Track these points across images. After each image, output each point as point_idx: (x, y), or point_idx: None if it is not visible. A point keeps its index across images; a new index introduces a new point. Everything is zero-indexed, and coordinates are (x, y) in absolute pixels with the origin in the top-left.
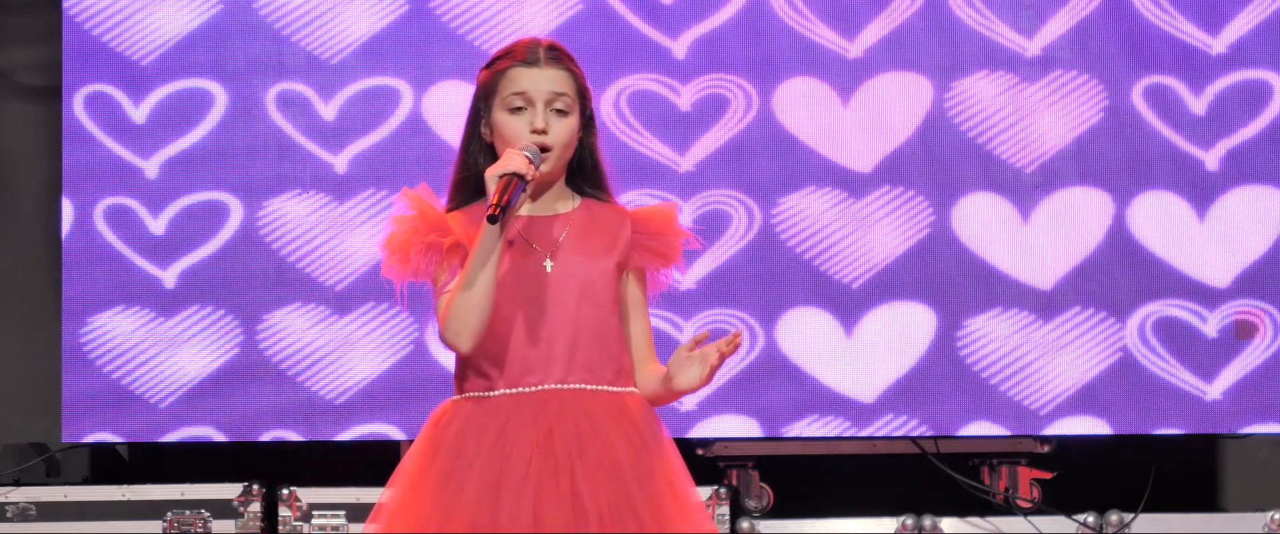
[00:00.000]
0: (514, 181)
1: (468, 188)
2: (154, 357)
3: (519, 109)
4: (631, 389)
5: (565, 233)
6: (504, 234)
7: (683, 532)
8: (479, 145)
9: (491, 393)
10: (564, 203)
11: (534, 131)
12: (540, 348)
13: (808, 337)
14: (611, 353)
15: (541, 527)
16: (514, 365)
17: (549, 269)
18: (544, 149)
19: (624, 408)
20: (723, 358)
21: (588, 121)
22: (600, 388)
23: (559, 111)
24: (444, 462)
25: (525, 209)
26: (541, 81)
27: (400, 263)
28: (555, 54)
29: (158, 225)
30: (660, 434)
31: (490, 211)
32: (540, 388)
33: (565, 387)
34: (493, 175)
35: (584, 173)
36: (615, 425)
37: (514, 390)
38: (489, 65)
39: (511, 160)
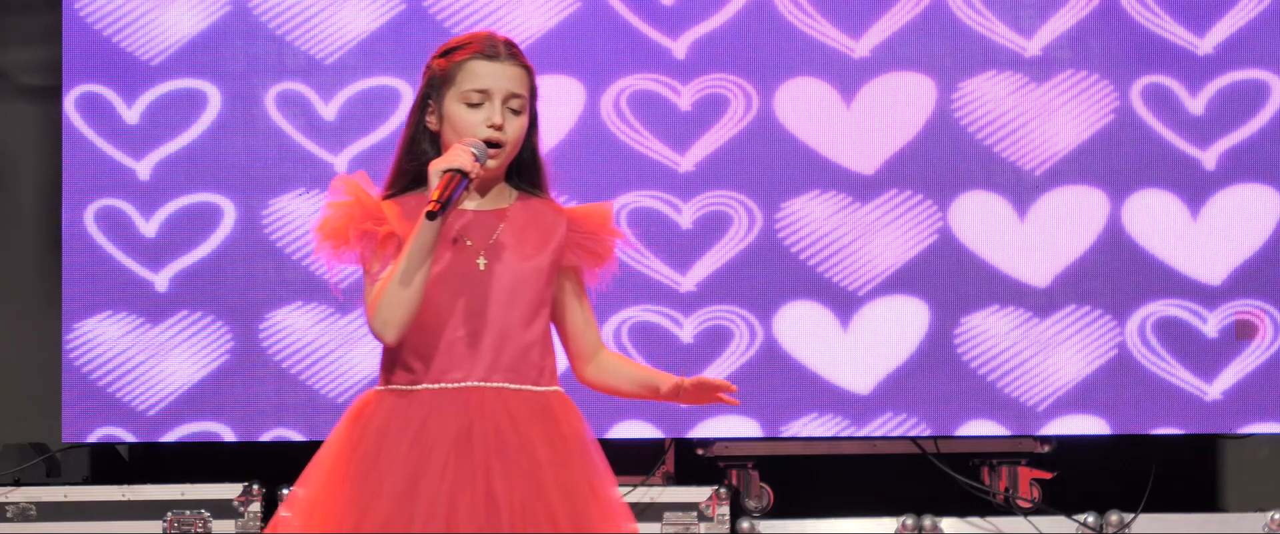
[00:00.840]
0: (456, 178)
1: (407, 177)
2: (154, 356)
3: (476, 104)
4: (556, 388)
5: (500, 231)
6: (442, 230)
7: (602, 533)
8: (426, 135)
9: (415, 386)
10: (500, 197)
11: (492, 127)
12: (466, 344)
13: (805, 331)
14: (537, 353)
15: (454, 526)
16: (439, 360)
17: (482, 267)
18: (495, 145)
19: (547, 407)
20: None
21: (533, 122)
22: (523, 387)
23: (514, 110)
24: (364, 456)
25: (472, 204)
26: (502, 78)
27: (333, 247)
28: (513, 51)
29: (156, 226)
30: (583, 434)
31: (430, 208)
32: (463, 384)
33: (488, 385)
34: (437, 170)
35: (524, 170)
36: (537, 425)
37: (437, 386)
38: (444, 54)
39: (458, 156)
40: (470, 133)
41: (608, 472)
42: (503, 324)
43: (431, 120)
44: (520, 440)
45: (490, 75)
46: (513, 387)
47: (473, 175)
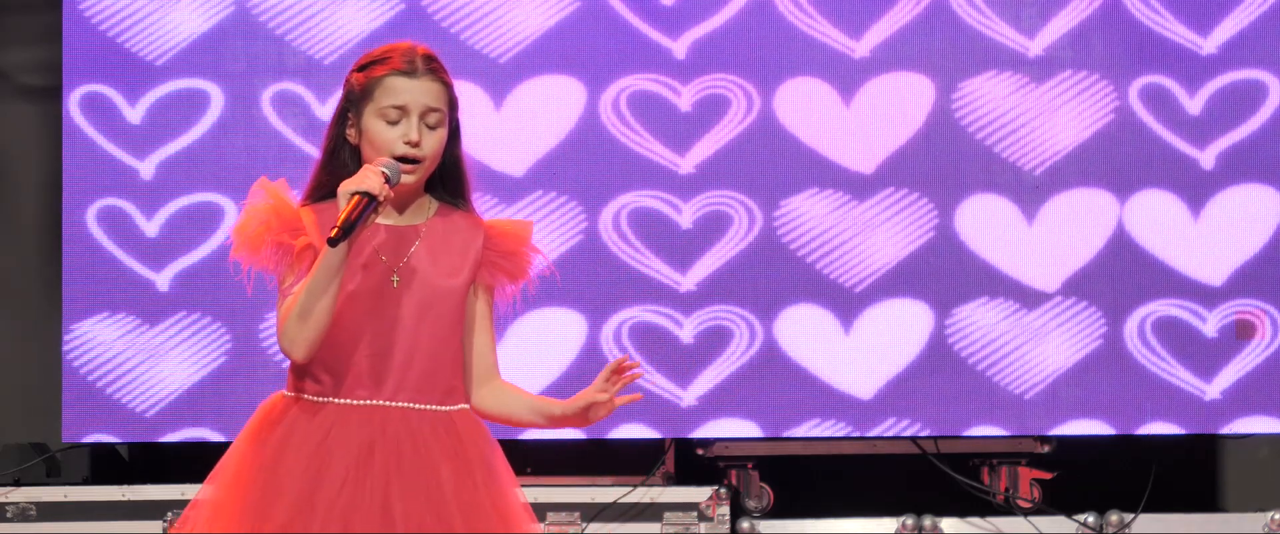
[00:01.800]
0: (363, 201)
1: (324, 189)
2: (154, 356)
3: (394, 121)
4: (463, 406)
5: (415, 247)
6: (349, 251)
7: None
8: (346, 148)
9: (321, 399)
10: (419, 211)
11: (408, 143)
12: (374, 362)
13: (807, 334)
14: (445, 373)
15: None
16: (346, 376)
17: (395, 284)
18: (413, 162)
19: (452, 427)
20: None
21: (454, 132)
22: (428, 407)
23: (430, 125)
24: (263, 465)
25: (388, 220)
26: (419, 94)
27: (249, 253)
28: (432, 65)
29: (156, 226)
30: (488, 455)
31: (332, 234)
32: (368, 402)
33: (393, 404)
34: (344, 192)
35: (445, 181)
36: (440, 445)
37: (341, 401)
38: (362, 68)
39: (366, 179)
40: (387, 149)
41: (513, 493)
42: (411, 343)
43: (351, 133)
44: (421, 460)
45: (407, 91)
46: (418, 407)
47: (381, 198)
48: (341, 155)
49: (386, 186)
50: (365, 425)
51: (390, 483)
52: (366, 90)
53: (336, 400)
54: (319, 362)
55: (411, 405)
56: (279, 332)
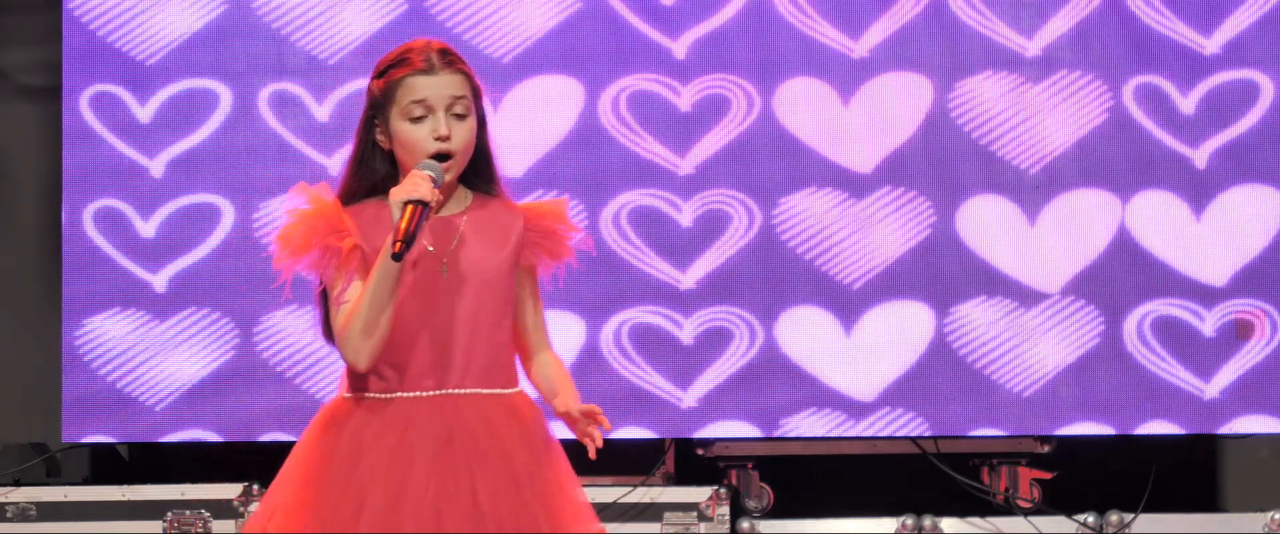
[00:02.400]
0: (419, 210)
1: (358, 195)
2: (153, 357)
3: (419, 118)
4: (519, 389)
5: (459, 234)
6: (407, 260)
7: (575, 532)
8: (378, 154)
9: (387, 395)
10: (456, 201)
11: (438, 138)
12: (437, 352)
13: (807, 335)
14: (504, 355)
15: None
16: (412, 369)
17: (445, 274)
18: (447, 157)
19: (516, 411)
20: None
21: (481, 121)
22: (494, 391)
23: (458, 115)
24: (341, 465)
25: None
26: (440, 87)
27: (295, 257)
28: (449, 58)
29: (157, 226)
30: (550, 437)
31: (395, 249)
32: (438, 392)
33: (462, 391)
34: (397, 201)
35: (477, 169)
36: (510, 428)
37: (411, 395)
38: (381, 74)
39: (418, 186)
40: (419, 147)
41: (572, 474)
42: (471, 329)
43: (382, 139)
44: (497, 445)
45: (428, 87)
46: (485, 391)
47: (432, 203)
48: (371, 162)
49: (435, 191)
50: (439, 415)
51: (473, 470)
52: (388, 94)
53: (404, 394)
54: (382, 358)
55: (479, 390)
56: (340, 344)
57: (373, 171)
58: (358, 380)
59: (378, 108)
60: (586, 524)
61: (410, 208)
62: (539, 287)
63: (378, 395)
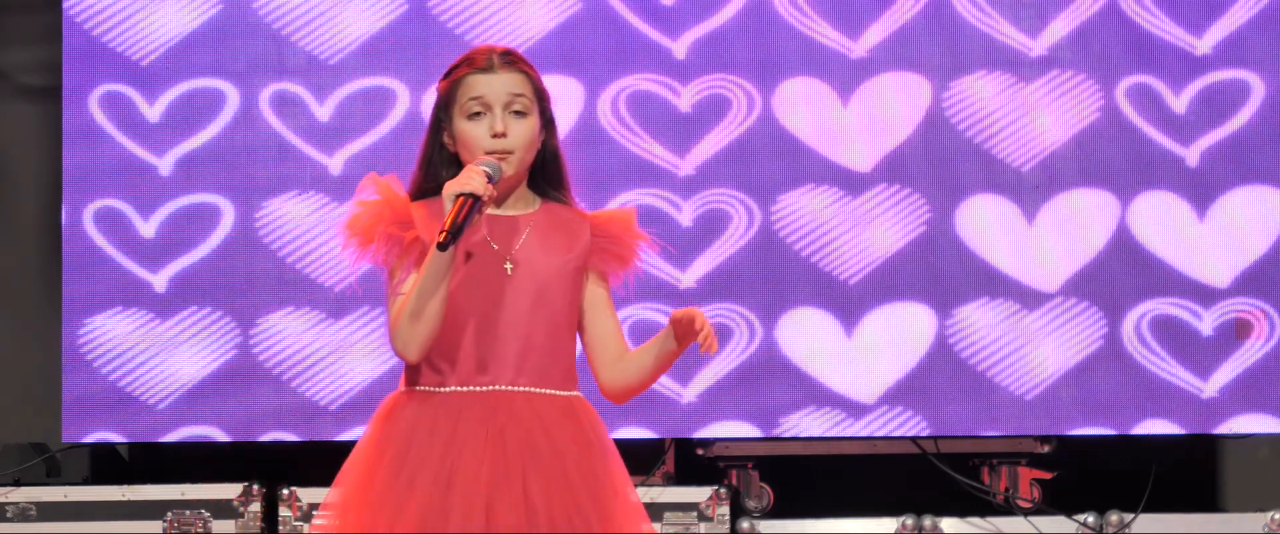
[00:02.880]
0: (469, 202)
1: (424, 193)
2: (153, 357)
3: (477, 114)
4: (576, 393)
5: (526, 235)
6: (459, 250)
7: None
8: (443, 156)
9: (442, 389)
10: (526, 205)
11: (494, 135)
12: (494, 348)
13: (808, 336)
14: (561, 357)
15: (493, 526)
16: (466, 363)
17: (509, 271)
18: (505, 154)
19: (572, 411)
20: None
21: (548, 123)
22: (548, 391)
23: (517, 112)
24: (393, 457)
25: (494, 210)
26: (498, 85)
27: (360, 246)
28: (510, 58)
29: (157, 226)
30: (605, 439)
31: (440, 238)
32: (491, 388)
33: (516, 389)
34: (449, 194)
35: (546, 174)
36: (564, 429)
37: (465, 389)
38: (446, 76)
39: (470, 180)
40: (477, 144)
41: (626, 476)
42: (529, 328)
43: (448, 142)
44: (551, 445)
45: (485, 85)
46: (539, 391)
47: (485, 198)
48: (437, 161)
49: (490, 186)
50: (492, 411)
51: (526, 467)
52: (450, 95)
53: (457, 388)
54: (438, 352)
55: (532, 389)
56: (391, 333)
57: (439, 171)
58: (412, 374)
59: (444, 109)
60: (637, 527)
61: (460, 199)
62: (610, 296)
63: (430, 388)
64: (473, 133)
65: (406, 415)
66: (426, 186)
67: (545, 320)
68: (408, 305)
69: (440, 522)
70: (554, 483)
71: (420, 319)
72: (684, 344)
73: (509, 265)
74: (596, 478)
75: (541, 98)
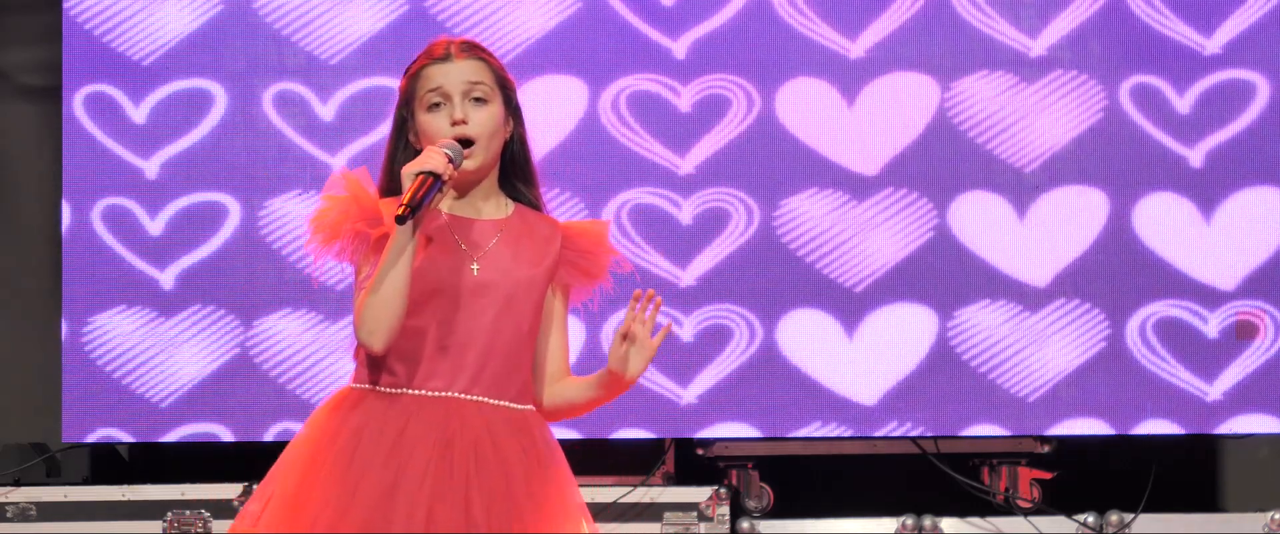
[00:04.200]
0: (428, 180)
1: (392, 191)
2: (154, 357)
3: (437, 105)
4: (530, 407)
5: (496, 240)
6: (417, 233)
7: None
8: (409, 153)
9: (396, 390)
10: (496, 208)
11: (454, 123)
12: (451, 354)
13: (809, 338)
14: (520, 370)
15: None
16: (423, 367)
17: (475, 272)
18: (467, 142)
19: (525, 426)
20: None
21: (515, 114)
22: (502, 403)
23: (477, 100)
24: (340, 454)
25: (450, 205)
26: (454, 73)
27: (325, 242)
28: (468, 46)
29: (158, 225)
30: (557, 456)
31: (399, 212)
32: (444, 394)
33: (468, 397)
34: (408, 173)
35: (515, 168)
36: (514, 443)
37: (418, 392)
38: (406, 71)
39: (430, 158)
40: (437, 135)
41: (576, 495)
42: (490, 338)
43: (413, 138)
44: (498, 458)
45: (442, 75)
46: (492, 402)
47: (445, 177)
48: (403, 159)
49: (450, 166)
50: (443, 418)
51: (470, 480)
52: (411, 90)
53: (411, 391)
54: (395, 352)
55: (486, 400)
56: (356, 326)
57: (402, 167)
58: (368, 371)
59: (405, 104)
60: (577, 526)
61: (419, 177)
62: (567, 312)
63: (385, 389)
64: (433, 124)
65: (357, 414)
66: (392, 185)
67: (509, 331)
68: (371, 290)
69: (382, 526)
70: (496, 497)
71: (382, 298)
72: (631, 370)
73: (475, 267)
74: (544, 497)
75: (504, 86)
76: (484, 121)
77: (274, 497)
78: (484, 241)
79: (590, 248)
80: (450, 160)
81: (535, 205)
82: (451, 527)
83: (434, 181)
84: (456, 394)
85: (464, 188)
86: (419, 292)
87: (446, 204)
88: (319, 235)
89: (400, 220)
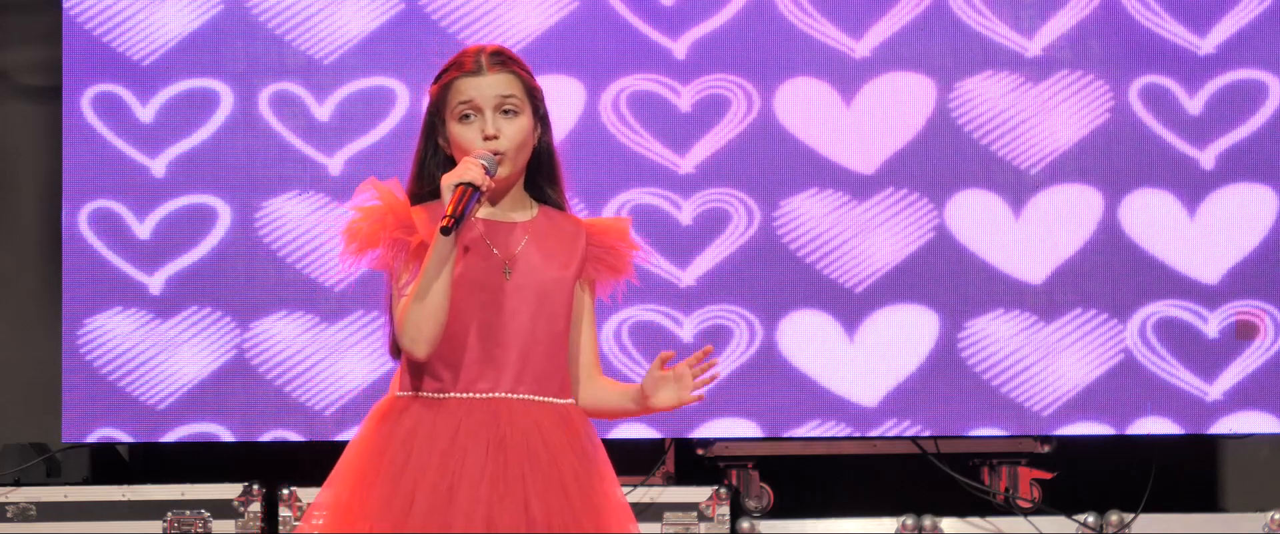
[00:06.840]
0: (468, 191)
1: (420, 197)
2: (154, 357)
3: (468, 117)
4: (571, 401)
5: (525, 241)
6: (467, 239)
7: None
8: (438, 159)
9: (442, 395)
10: (523, 210)
11: (486, 138)
12: (494, 355)
13: (810, 340)
14: (559, 365)
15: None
16: (467, 370)
17: (508, 276)
18: (499, 153)
19: (568, 420)
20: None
21: (542, 121)
22: (547, 399)
23: (508, 112)
24: (392, 462)
25: (484, 211)
26: (486, 88)
27: (360, 251)
28: (499, 58)
29: (160, 226)
30: (599, 448)
31: (444, 223)
32: (491, 395)
33: (515, 396)
34: (448, 184)
35: (542, 171)
36: (562, 438)
37: (465, 395)
38: (437, 79)
39: (468, 170)
40: (469, 148)
41: (618, 485)
42: (529, 335)
43: (443, 144)
44: (549, 454)
45: (474, 88)
46: (538, 399)
47: (484, 188)
48: (432, 166)
49: (486, 177)
50: (492, 419)
51: (525, 475)
52: (441, 99)
53: (458, 395)
54: (437, 357)
55: (531, 397)
56: (398, 333)
57: (433, 175)
58: (411, 379)
59: (435, 112)
60: (625, 525)
61: (459, 188)
62: (595, 307)
63: (430, 395)
64: (464, 136)
65: (405, 421)
66: (422, 190)
67: (546, 329)
68: (415, 297)
69: (441, 528)
70: (552, 491)
71: (426, 305)
72: (658, 401)
73: (508, 270)
74: (593, 488)
75: (533, 96)
76: (514, 134)
77: (328, 507)
78: (514, 244)
79: (614, 244)
80: (486, 171)
81: (559, 206)
82: (512, 523)
83: (474, 192)
84: (503, 394)
85: (495, 195)
86: (457, 297)
87: (480, 210)
88: (354, 244)
89: (445, 231)
